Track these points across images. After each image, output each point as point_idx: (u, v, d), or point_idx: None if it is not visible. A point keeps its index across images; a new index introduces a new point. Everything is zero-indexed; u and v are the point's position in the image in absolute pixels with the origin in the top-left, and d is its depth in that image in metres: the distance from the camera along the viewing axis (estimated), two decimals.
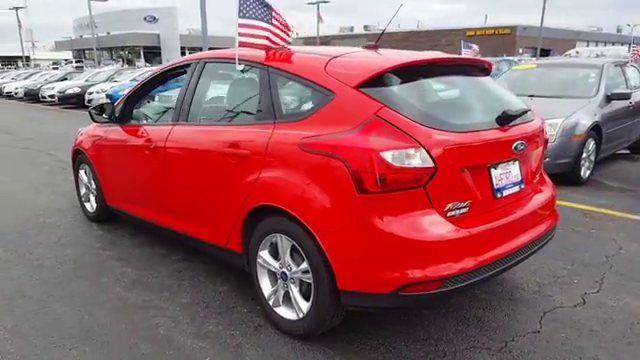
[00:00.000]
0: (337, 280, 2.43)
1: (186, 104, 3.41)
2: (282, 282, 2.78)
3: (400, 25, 64.24)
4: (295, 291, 2.71)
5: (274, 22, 3.10)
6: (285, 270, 2.73)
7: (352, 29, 67.46)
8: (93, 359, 2.56)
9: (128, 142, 3.91)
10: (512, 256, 2.64)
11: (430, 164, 2.31)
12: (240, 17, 2.97)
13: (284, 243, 2.69)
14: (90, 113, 4.05)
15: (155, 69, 5.32)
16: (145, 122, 3.99)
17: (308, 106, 2.69)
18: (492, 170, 2.63)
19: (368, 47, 3.07)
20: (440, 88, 2.97)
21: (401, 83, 2.56)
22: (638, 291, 3.34)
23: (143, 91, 4.02)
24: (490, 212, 2.61)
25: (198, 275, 3.56)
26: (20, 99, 22.46)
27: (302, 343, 2.70)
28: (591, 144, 6.25)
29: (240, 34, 2.99)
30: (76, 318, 2.96)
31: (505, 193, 2.69)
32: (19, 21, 49.54)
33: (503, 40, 48.53)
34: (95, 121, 4.12)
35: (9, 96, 23.73)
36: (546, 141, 3.18)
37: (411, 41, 51.19)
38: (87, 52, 58.58)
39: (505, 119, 2.67)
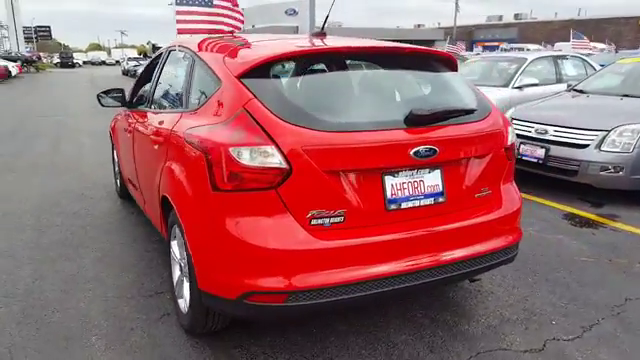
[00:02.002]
0: (197, 279, 2.32)
1: (151, 90, 3.52)
2: (181, 274, 2.74)
3: (557, 14, 58.29)
4: (186, 285, 2.65)
5: (217, 3, 3.02)
6: (181, 262, 2.69)
7: (501, 18, 62.82)
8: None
9: (124, 126, 4.16)
10: (408, 278, 2.26)
11: (283, 165, 2.06)
12: (177, 4, 2.96)
13: (178, 235, 2.64)
14: (98, 97, 4.38)
15: None
16: (142, 107, 4.20)
17: (204, 96, 2.59)
18: (387, 178, 2.25)
19: (316, 35, 2.84)
20: (350, 81, 2.60)
21: (287, 74, 2.32)
22: (629, 347, 2.63)
23: (145, 77, 4.23)
24: (380, 225, 2.25)
25: (163, 257, 3.63)
26: None
27: (192, 338, 2.64)
28: None
29: (178, 21, 2.98)
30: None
31: (406, 205, 2.29)
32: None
33: None
34: (102, 105, 4.46)
35: None
36: (508, 148, 2.63)
37: (568, 30, 45.92)
38: None
39: (411, 120, 2.26)
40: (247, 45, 2.63)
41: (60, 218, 4.54)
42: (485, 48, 40.50)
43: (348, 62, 2.53)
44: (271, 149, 2.06)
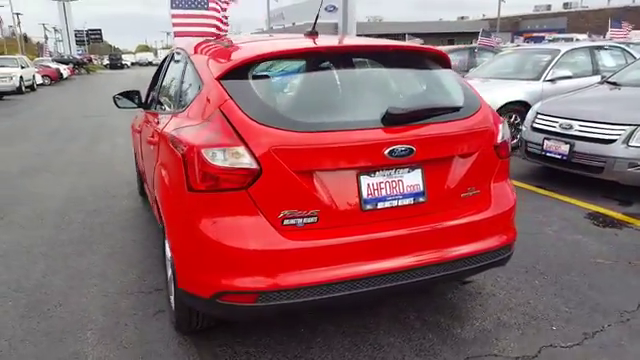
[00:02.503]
0: (177, 277, 2.37)
1: (156, 92, 3.60)
2: (171, 272, 2.79)
3: (610, 1, 55.39)
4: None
5: (212, 6, 3.06)
6: (170, 261, 2.74)
7: (549, 7, 60.36)
8: None
9: (137, 125, 4.29)
10: (386, 278, 2.21)
11: (253, 165, 2.06)
12: (173, 8, 3.01)
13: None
14: (114, 99, 4.52)
15: None
16: (150, 108, 4.31)
17: (190, 97, 2.62)
18: (363, 178, 2.21)
19: (309, 34, 2.82)
20: (328, 80, 2.55)
21: (266, 75, 2.32)
22: (633, 357, 2.48)
23: (155, 79, 4.34)
24: (356, 225, 2.22)
25: None
26: None
27: (181, 335, 2.69)
28: None
29: (174, 24, 3.03)
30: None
31: (383, 205, 2.25)
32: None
33: None
34: (118, 106, 4.59)
35: None
36: (498, 146, 2.53)
37: (621, 19, 43.51)
38: None
39: (388, 119, 2.21)
40: (233, 47, 2.65)
41: (81, 215, 4.73)
42: (530, 39, 38.98)
43: (329, 62, 2.49)
44: (241, 150, 2.07)
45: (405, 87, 2.61)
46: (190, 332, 2.67)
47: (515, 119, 7.49)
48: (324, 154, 2.13)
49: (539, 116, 5.69)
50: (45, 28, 59.24)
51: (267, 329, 2.70)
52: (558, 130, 5.34)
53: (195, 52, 2.88)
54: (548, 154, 5.42)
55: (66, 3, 35.75)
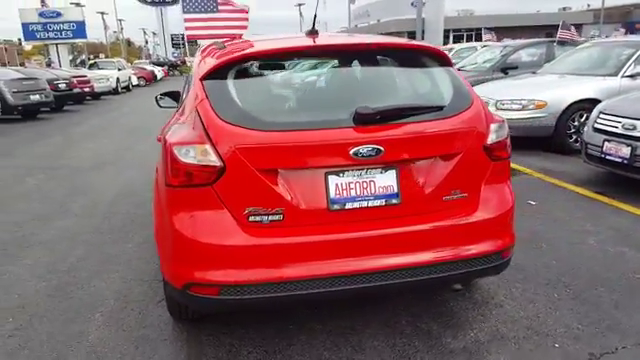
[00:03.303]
0: (160, 267, 2.50)
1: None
2: None
3: None
4: None
5: (221, 8, 3.15)
6: None
7: None
8: None
9: None
10: (353, 279, 2.18)
11: (217, 163, 2.12)
12: (184, 12, 3.17)
13: None
14: (156, 99, 4.79)
15: None
16: None
17: (184, 97, 2.74)
18: (331, 177, 2.19)
19: (309, 34, 2.84)
20: (303, 80, 2.53)
21: (241, 76, 2.36)
22: None
23: None
24: (322, 225, 2.20)
25: None
26: None
27: (177, 322, 2.82)
28: None
29: (187, 28, 3.19)
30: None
31: (352, 206, 2.20)
32: (301, 15, 57.88)
33: None
34: (160, 106, 4.86)
35: None
36: (489, 147, 2.37)
37: None
38: None
39: (357, 119, 2.17)
40: (223, 49, 2.72)
41: (128, 206, 5.10)
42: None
43: (307, 62, 2.49)
44: (207, 148, 2.13)
45: (385, 86, 2.53)
46: (184, 320, 2.80)
47: (586, 119, 6.92)
48: (288, 153, 2.14)
49: (601, 115, 5.21)
50: (144, 32, 63.99)
51: (257, 323, 2.76)
52: (620, 131, 4.86)
53: (200, 54, 3.00)
54: (608, 157, 4.95)
55: (163, 9, 38.33)
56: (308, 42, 2.50)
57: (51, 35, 33.88)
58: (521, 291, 3.07)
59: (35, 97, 13.17)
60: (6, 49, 52.06)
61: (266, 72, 2.45)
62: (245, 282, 2.13)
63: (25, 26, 34.10)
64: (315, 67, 2.50)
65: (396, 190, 2.24)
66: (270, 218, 2.18)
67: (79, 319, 2.92)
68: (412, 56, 2.54)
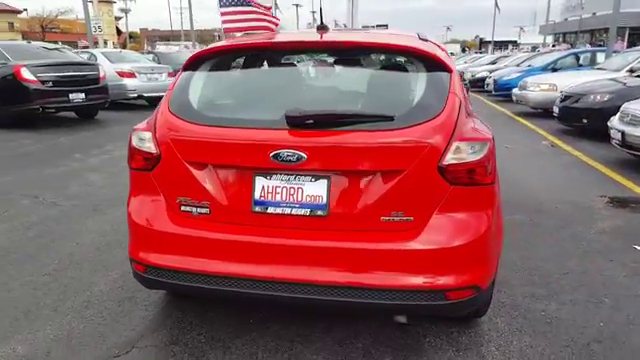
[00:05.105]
0: None
1: None
2: None
3: None
4: None
5: (254, 2, 3.26)
6: None
7: None
8: None
9: None
10: (267, 286, 2.12)
11: (154, 150, 2.25)
12: (221, 6, 3.33)
13: None
14: None
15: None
16: None
17: None
18: (258, 178, 2.13)
19: (318, 29, 2.79)
20: (256, 77, 2.42)
21: (205, 69, 2.44)
22: None
23: None
24: (244, 225, 2.17)
25: None
26: None
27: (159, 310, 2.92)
28: None
29: (223, 22, 3.35)
30: None
31: (274, 210, 2.11)
32: (497, 6, 54.03)
33: None
34: None
35: None
36: (446, 169, 2.02)
37: None
38: (567, 35, 57.58)
39: (288, 122, 2.06)
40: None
41: None
42: None
43: (269, 59, 2.43)
44: (149, 135, 2.27)
45: (342, 89, 2.32)
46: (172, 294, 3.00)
47: None
48: (215, 149, 2.15)
49: None
50: (336, 24, 67.35)
51: (225, 309, 2.82)
52: None
53: None
54: None
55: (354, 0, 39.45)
56: (277, 39, 2.43)
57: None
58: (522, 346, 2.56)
59: None
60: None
61: (225, 68, 2.49)
62: (165, 266, 2.23)
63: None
64: (274, 65, 2.43)
65: (325, 202, 2.08)
66: (198, 210, 2.23)
67: (102, 271, 3.35)
68: (390, 58, 2.30)
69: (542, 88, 11.24)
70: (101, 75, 10.06)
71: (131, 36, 64.74)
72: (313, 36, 2.38)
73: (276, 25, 3.45)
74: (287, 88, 2.44)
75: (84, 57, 12.25)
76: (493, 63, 22.90)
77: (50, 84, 9.01)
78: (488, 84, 16.69)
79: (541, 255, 3.64)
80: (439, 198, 2.06)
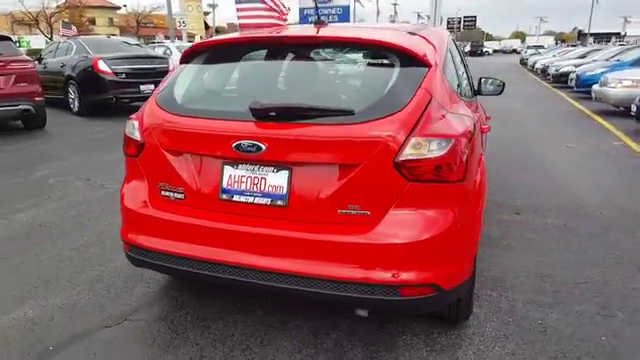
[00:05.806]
0: None
1: None
2: None
3: None
4: None
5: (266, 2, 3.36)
6: None
7: None
8: None
9: None
10: (232, 270, 2.21)
11: (138, 137, 2.41)
12: (237, 3, 3.46)
13: None
14: None
15: None
16: None
17: None
18: (227, 167, 2.22)
19: (315, 24, 2.84)
20: (233, 71, 2.48)
21: (195, 62, 2.57)
22: None
23: None
24: (212, 211, 2.27)
25: None
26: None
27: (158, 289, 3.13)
28: None
29: (239, 17, 3.48)
30: None
31: (238, 199, 2.20)
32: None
33: None
34: None
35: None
36: (402, 165, 1.98)
37: None
38: None
39: (252, 113, 2.13)
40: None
41: None
42: None
43: (249, 53, 2.49)
44: (137, 124, 2.44)
45: (312, 83, 2.32)
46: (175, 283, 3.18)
47: None
48: (188, 138, 2.27)
49: None
50: (419, 16, 65.64)
51: (230, 304, 2.88)
52: None
53: None
54: None
55: None
56: (255, 35, 2.50)
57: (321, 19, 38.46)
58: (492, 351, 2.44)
59: None
60: None
61: (209, 62, 2.59)
62: (145, 247, 2.39)
63: (302, 11, 39.52)
64: (252, 59, 2.50)
65: (285, 192, 2.13)
66: (175, 195, 2.36)
67: (120, 251, 3.60)
68: (366, 53, 2.29)
69: (624, 84, 10.28)
70: (170, 68, 10.68)
71: (218, 30, 67.68)
72: (293, 32, 2.43)
73: (280, 20, 3.53)
74: (260, 82, 2.51)
75: (160, 51, 13.05)
76: (583, 57, 21.33)
77: (123, 76, 9.74)
78: (572, 79, 15.61)
79: (561, 262, 3.42)
80: (396, 193, 2.03)
